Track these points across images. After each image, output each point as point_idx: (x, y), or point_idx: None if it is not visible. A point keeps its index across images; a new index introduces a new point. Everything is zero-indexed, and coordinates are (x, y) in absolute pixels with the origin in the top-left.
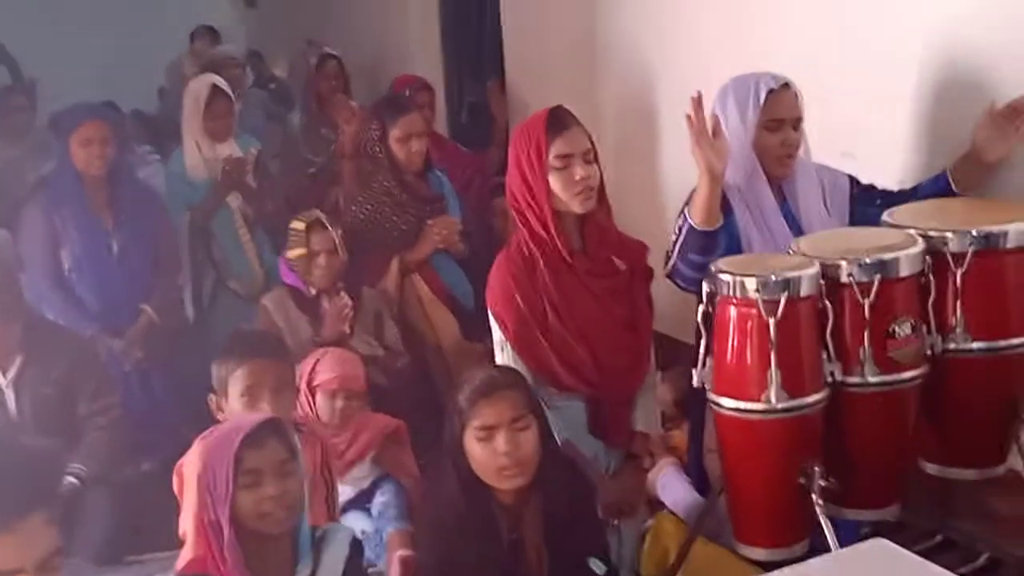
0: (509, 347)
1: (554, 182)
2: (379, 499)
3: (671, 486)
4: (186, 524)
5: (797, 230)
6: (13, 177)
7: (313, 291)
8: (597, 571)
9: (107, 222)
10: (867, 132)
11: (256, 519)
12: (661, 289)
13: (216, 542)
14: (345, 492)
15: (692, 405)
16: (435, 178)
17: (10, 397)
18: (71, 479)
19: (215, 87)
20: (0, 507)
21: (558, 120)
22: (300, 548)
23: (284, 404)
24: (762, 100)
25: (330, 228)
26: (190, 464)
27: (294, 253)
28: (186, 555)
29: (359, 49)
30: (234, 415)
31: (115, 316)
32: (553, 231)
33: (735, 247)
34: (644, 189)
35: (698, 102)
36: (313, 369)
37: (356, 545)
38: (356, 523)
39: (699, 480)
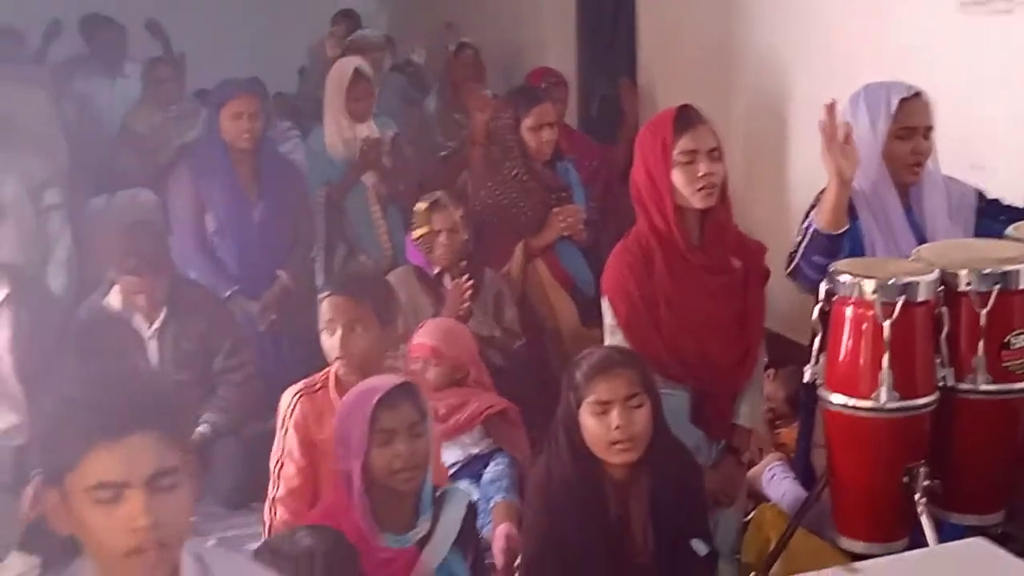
0: (620, 333)
1: (677, 177)
2: (492, 468)
3: (777, 481)
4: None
5: (921, 238)
6: (159, 142)
7: (436, 270)
8: (699, 552)
9: (251, 192)
10: (997, 145)
11: (386, 475)
12: (778, 289)
13: (347, 492)
14: (454, 455)
15: (803, 402)
16: (563, 168)
17: (153, 347)
18: (204, 428)
19: (358, 70)
20: (109, 422)
21: (686, 117)
22: (422, 504)
23: (355, 342)
24: (894, 108)
25: (451, 207)
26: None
27: (418, 232)
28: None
29: (495, 39)
30: (324, 347)
31: (253, 280)
32: (673, 225)
33: (859, 252)
34: (771, 190)
35: (831, 108)
36: (414, 333)
37: (472, 507)
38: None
39: (805, 477)
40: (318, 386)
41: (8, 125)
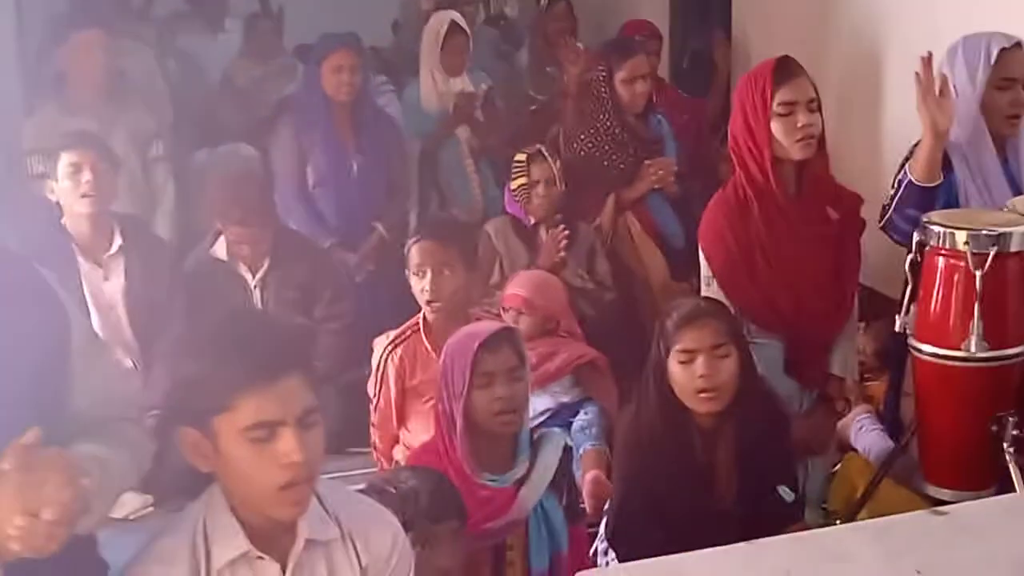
0: (715, 283)
1: (776, 128)
2: (581, 417)
3: (865, 433)
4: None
5: (1017, 191)
6: (258, 96)
7: (532, 220)
8: (786, 498)
9: (349, 145)
10: None
11: (487, 417)
12: (871, 242)
13: (448, 432)
14: (544, 403)
15: (893, 353)
16: (655, 120)
17: (257, 295)
18: None
19: (453, 23)
20: (265, 365)
21: (785, 68)
22: (520, 446)
23: (444, 284)
24: (993, 58)
25: (550, 160)
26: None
27: (516, 183)
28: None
29: None
30: (415, 292)
31: (351, 231)
32: (771, 175)
33: (953, 205)
34: (865, 142)
35: (928, 61)
36: (507, 283)
37: (568, 451)
38: None
39: (893, 429)
40: (409, 333)
41: (119, 79)
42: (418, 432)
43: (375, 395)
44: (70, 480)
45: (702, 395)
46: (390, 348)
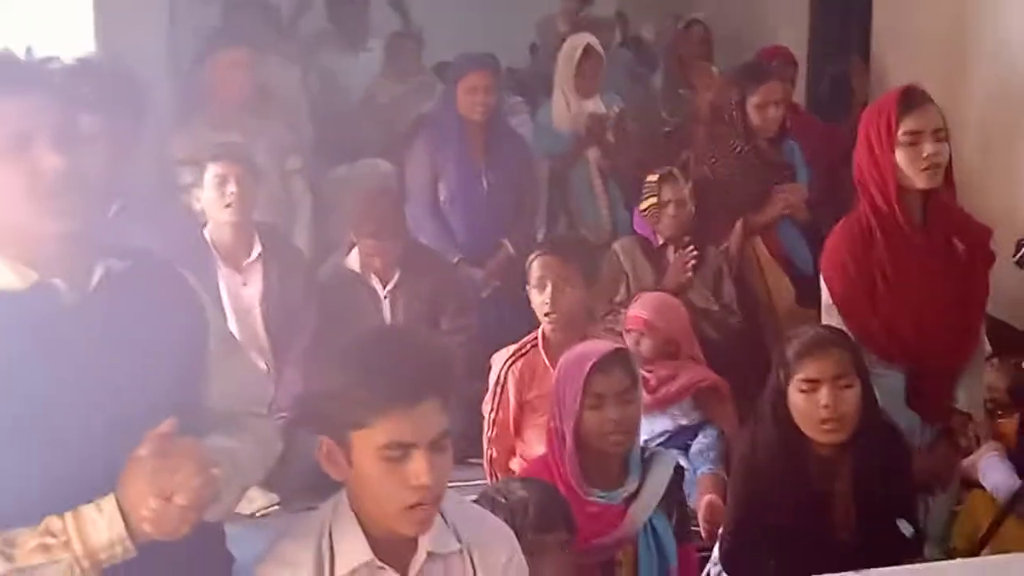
0: (836, 311)
1: (901, 157)
2: (700, 440)
3: (993, 471)
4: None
5: None
6: (397, 113)
7: (660, 240)
8: (905, 532)
9: (480, 163)
10: None
11: (597, 437)
12: (1004, 275)
13: (559, 449)
14: (663, 424)
15: None
16: (787, 146)
17: (386, 306)
18: None
19: (588, 47)
20: (405, 389)
21: (911, 97)
22: (631, 464)
23: (563, 299)
24: None
25: (681, 181)
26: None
27: (646, 203)
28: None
29: (725, 16)
30: (535, 306)
31: (478, 247)
32: (895, 205)
33: None
34: (1004, 176)
35: None
36: (631, 306)
37: (679, 470)
38: None
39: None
40: (529, 348)
41: (263, 95)
42: (533, 445)
43: (492, 409)
44: (202, 468)
45: (824, 425)
46: (510, 362)
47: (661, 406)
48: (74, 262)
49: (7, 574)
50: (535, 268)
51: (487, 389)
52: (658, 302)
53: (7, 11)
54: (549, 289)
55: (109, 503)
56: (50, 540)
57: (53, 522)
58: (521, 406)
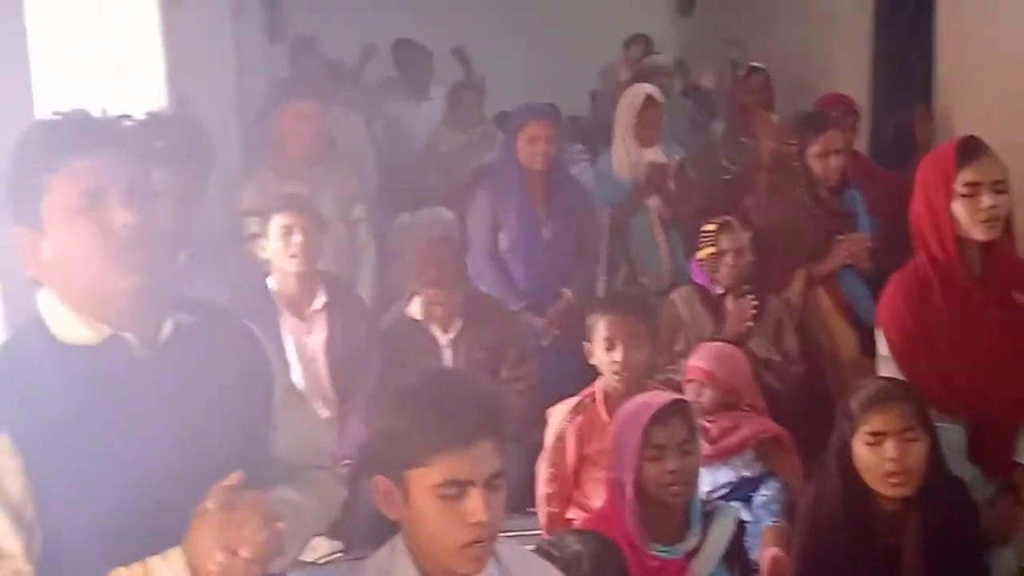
0: (893, 363)
1: (959, 209)
2: (763, 493)
3: None
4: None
5: None
6: (459, 163)
7: (720, 290)
8: None
9: (541, 212)
10: None
11: (657, 488)
12: None
13: (619, 500)
14: (725, 476)
15: None
16: (849, 194)
17: (448, 354)
18: None
19: (649, 97)
20: (462, 428)
21: (970, 149)
22: (692, 517)
23: (635, 357)
24: None
25: (739, 230)
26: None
27: (704, 252)
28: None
29: (785, 63)
30: (599, 363)
31: (539, 295)
32: (953, 256)
33: None
34: None
35: None
36: (692, 356)
37: (741, 524)
38: None
39: None
40: (588, 402)
41: (329, 145)
42: (592, 498)
43: (552, 464)
44: (267, 522)
45: (891, 479)
46: (570, 417)
47: (723, 457)
48: (145, 316)
49: None
50: (602, 327)
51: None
52: (719, 352)
53: (83, 68)
54: (620, 349)
55: (176, 555)
56: None
57: (121, 574)
58: (581, 460)
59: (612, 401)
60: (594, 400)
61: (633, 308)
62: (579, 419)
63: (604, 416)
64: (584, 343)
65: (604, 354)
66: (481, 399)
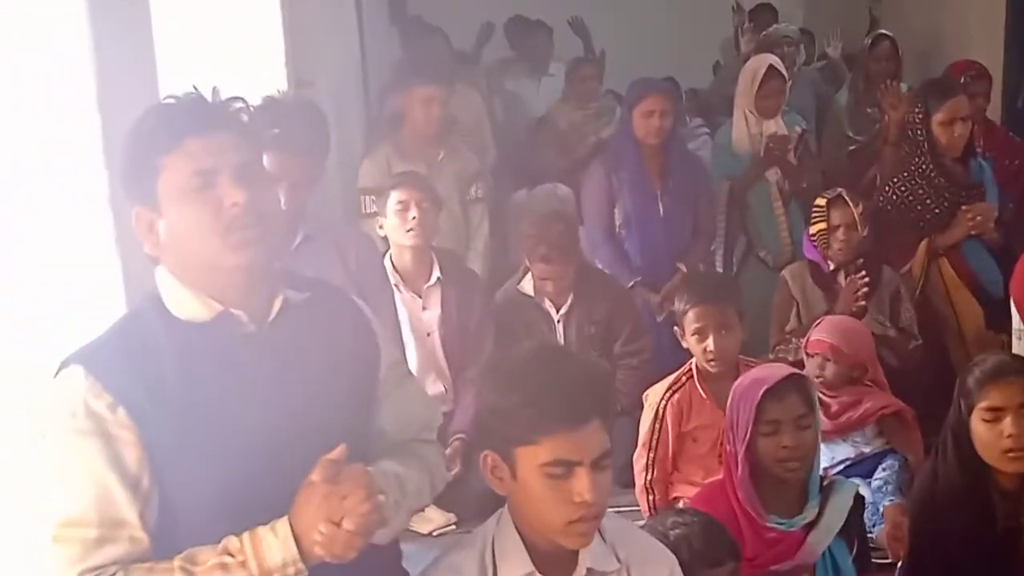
0: None
1: None
2: (881, 472)
3: None
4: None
5: None
6: (576, 138)
7: (831, 266)
8: None
9: (657, 186)
10: None
11: (772, 463)
12: None
13: (732, 474)
14: (844, 451)
15: None
16: (976, 164)
17: (559, 329)
18: None
19: (771, 67)
20: (573, 410)
21: None
22: (810, 491)
23: (727, 343)
24: None
25: (851, 204)
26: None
27: (815, 228)
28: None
29: (915, 31)
30: (692, 350)
31: (654, 271)
32: None
33: None
34: None
35: None
36: (813, 329)
37: (859, 499)
38: None
39: None
40: (685, 380)
41: (449, 126)
42: (689, 474)
43: (651, 448)
44: (369, 495)
45: (1009, 455)
46: (668, 395)
47: (843, 433)
48: (255, 293)
49: None
50: (691, 318)
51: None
52: (844, 326)
53: (207, 53)
54: (712, 338)
55: (283, 526)
56: (228, 559)
57: (231, 542)
58: (680, 438)
59: (708, 379)
60: (691, 377)
61: (720, 295)
62: (676, 397)
63: (701, 393)
64: (675, 327)
65: (696, 344)
66: (591, 380)
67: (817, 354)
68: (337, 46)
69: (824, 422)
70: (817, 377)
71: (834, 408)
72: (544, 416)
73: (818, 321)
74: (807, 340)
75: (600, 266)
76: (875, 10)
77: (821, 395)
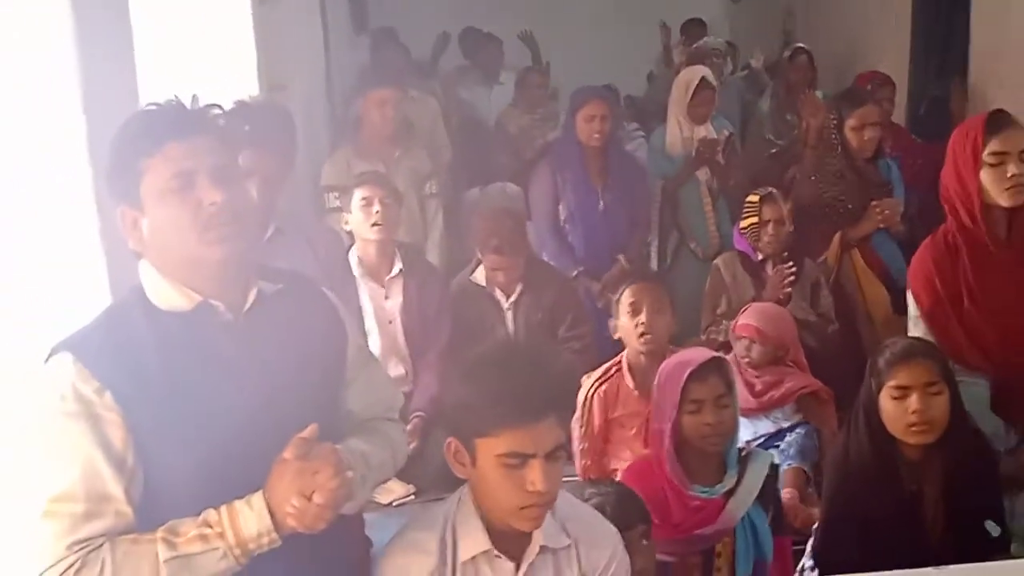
0: (923, 323)
1: (986, 177)
2: (787, 438)
3: None
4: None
5: None
6: (525, 141)
7: (760, 256)
8: (992, 532)
9: (598, 184)
10: None
11: (696, 439)
12: None
13: (658, 448)
14: (765, 427)
15: None
16: (884, 164)
17: (509, 316)
18: None
19: (704, 79)
20: (530, 407)
21: (998, 120)
22: (729, 462)
23: (659, 322)
24: None
25: (780, 201)
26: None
27: (747, 222)
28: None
29: (829, 44)
30: (625, 331)
31: (595, 262)
32: (980, 221)
33: None
34: None
35: None
36: (740, 314)
37: (774, 468)
38: None
39: None
40: (613, 372)
41: (406, 127)
42: (618, 456)
43: (582, 426)
44: (338, 471)
45: (913, 428)
46: (595, 386)
47: (766, 410)
48: (232, 285)
49: (170, 560)
50: (627, 295)
51: None
52: (769, 311)
53: (184, 62)
54: (645, 312)
55: (258, 499)
56: (207, 530)
57: (210, 514)
58: (607, 423)
59: (636, 371)
60: (620, 370)
61: (655, 277)
62: (603, 388)
63: (629, 383)
64: (609, 321)
65: (629, 321)
66: (550, 378)
67: (744, 337)
68: (305, 53)
69: (749, 400)
70: (743, 357)
71: (758, 387)
72: (503, 412)
73: (745, 307)
74: (735, 324)
75: (546, 258)
76: (788, 23)
77: (747, 374)
